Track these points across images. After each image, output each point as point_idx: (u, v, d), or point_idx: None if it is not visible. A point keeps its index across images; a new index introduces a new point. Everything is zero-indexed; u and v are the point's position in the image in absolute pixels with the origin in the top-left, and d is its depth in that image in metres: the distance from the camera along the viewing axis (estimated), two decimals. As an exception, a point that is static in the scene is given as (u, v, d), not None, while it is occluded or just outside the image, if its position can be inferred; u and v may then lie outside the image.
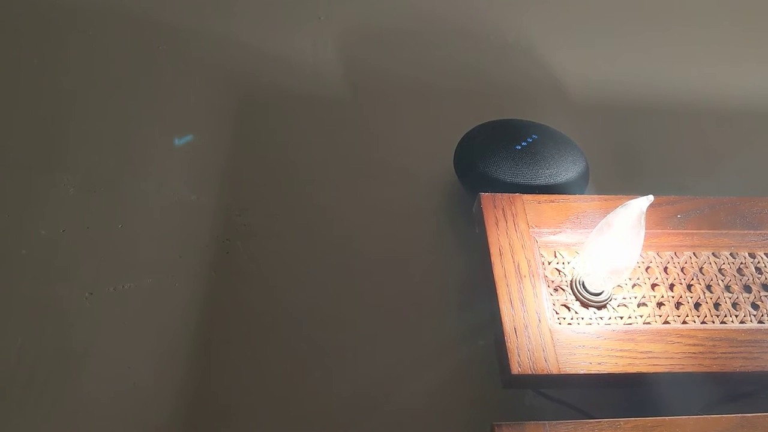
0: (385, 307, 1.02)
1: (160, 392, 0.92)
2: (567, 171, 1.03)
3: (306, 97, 1.28)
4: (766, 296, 0.88)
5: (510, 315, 0.82)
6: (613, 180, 1.19)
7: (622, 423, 0.75)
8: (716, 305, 0.87)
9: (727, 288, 0.89)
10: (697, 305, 0.87)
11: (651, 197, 0.77)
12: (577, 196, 0.97)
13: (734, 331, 0.84)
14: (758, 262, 0.92)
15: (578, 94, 1.34)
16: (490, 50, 1.40)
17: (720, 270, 0.91)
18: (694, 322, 0.85)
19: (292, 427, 0.91)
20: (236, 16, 1.39)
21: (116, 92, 1.24)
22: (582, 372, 0.78)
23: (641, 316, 0.85)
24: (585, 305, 0.85)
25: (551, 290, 0.86)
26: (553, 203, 0.93)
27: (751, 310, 0.87)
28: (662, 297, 0.87)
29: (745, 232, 0.93)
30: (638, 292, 0.87)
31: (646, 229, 0.80)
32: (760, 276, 0.90)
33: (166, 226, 1.08)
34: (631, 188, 0.97)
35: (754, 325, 0.86)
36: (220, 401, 0.92)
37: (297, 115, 1.25)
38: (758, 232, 0.93)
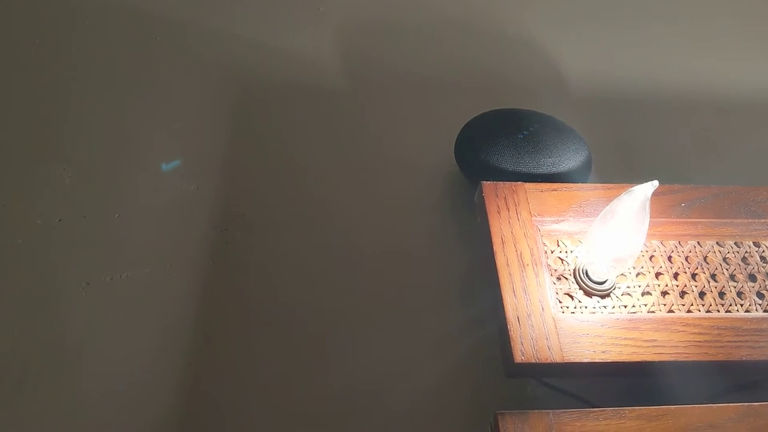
0: (385, 299, 1.01)
1: (157, 383, 0.90)
2: (569, 160, 1.02)
3: (305, 88, 1.26)
4: (771, 285, 0.88)
5: (513, 304, 0.81)
6: (616, 171, 1.17)
7: (626, 412, 0.74)
8: (721, 294, 0.86)
9: (732, 277, 0.88)
10: (701, 294, 0.86)
11: (656, 182, 0.76)
12: (580, 184, 0.96)
13: (739, 319, 0.83)
14: (763, 251, 0.91)
15: (580, 86, 1.33)
16: (491, 43, 1.39)
17: (724, 259, 0.90)
18: (699, 311, 0.84)
19: (291, 419, 0.90)
20: (235, 7, 1.38)
21: (114, 82, 1.23)
22: (586, 360, 0.77)
23: (645, 305, 0.84)
24: (588, 294, 0.84)
25: (554, 279, 0.85)
26: (556, 192, 0.92)
27: (756, 299, 0.86)
28: (666, 286, 0.86)
29: (750, 220, 0.92)
30: (642, 281, 0.86)
31: (649, 217, 0.79)
32: (765, 265, 0.89)
33: (164, 216, 1.07)
34: (633, 179, 0.96)
35: (760, 314, 0.85)
36: (217, 394, 0.91)
37: (296, 107, 1.24)
38: (762, 221, 0.92)
